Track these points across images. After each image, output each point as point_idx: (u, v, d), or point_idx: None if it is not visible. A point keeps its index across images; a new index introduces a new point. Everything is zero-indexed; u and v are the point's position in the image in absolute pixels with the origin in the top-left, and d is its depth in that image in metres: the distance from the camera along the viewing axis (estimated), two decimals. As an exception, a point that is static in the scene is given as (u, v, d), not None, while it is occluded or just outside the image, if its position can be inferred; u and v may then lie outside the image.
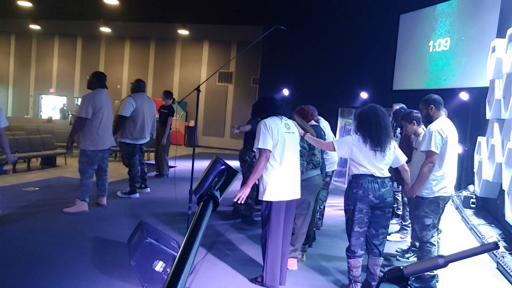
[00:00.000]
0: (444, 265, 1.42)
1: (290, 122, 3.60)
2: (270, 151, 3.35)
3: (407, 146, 4.70)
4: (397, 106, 5.65)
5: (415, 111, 4.28)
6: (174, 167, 8.66)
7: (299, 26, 11.53)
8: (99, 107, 5.28)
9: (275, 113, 3.51)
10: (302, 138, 3.73)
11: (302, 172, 3.80)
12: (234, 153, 9.62)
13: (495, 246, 1.39)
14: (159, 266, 3.26)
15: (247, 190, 3.32)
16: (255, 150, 3.46)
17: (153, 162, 8.75)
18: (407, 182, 3.70)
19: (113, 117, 5.96)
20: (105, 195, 5.77)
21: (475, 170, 6.56)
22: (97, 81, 5.46)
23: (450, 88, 8.35)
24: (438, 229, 3.90)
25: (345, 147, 3.45)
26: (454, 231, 5.81)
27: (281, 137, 3.40)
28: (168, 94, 8.11)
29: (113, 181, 8.02)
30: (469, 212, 6.52)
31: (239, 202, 3.32)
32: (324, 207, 5.61)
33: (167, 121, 7.86)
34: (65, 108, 19.81)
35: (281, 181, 3.42)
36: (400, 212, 5.50)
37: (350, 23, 10.90)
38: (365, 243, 3.46)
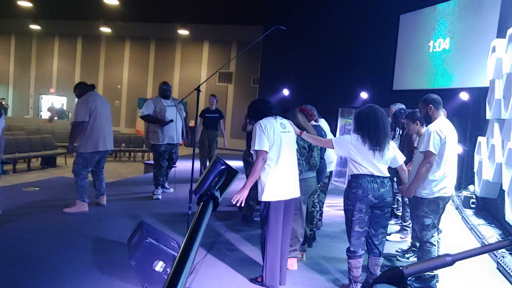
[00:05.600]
0: (452, 263, 1.42)
1: (285, 121, 3.61)
2: (266, 152, 3.35)
3: (407, 147, 4.70)
4: (394, 107, 5.62)
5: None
6: (175, 166, 8.66)
7: (299, 26, 11.54)
8: (93, 109, 5.27)
9: (270, 113, 3.52)
10: (303, 138, 3.74)
11: (300, 171, 3.80)
12: (234, 153, 9.63)
13: (511, 243, 1.38)
14: (159, 266, 3.26)
15: (245, 193, 3.32)
16: (252, 152, 3.46)
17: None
18: (404, 182, 3.71)
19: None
20: (104, 194, 5.76)
21: (475, 170, 6.56)
22: (82, 89, 5.45)
23: (450, 88, 8.35)
24: (438, 229, 3.90)
25: (343, 146, 3.46)
26: (454, 231, 5.81)
27: (277, 137, 3.40)
28: None
29: (113, 181, 8.03)
30: (469, 212, 6.52)
31: (237, 205, 3.32)
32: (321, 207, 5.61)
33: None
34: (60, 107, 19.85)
35: (279, 181, 3.42)
36: (399, 213, 5.50)
37: (350, 23, 10.90)
38: (365, 243, 3.47)
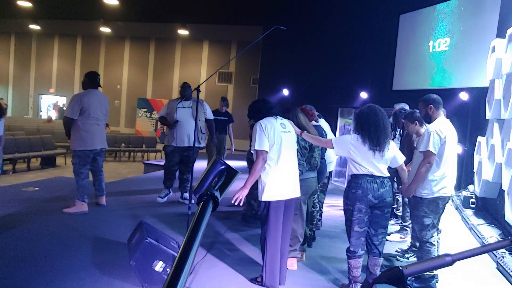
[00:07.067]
0: (451, 263, 1.42)
1: (286, 121, 3.61)
2: (266, 152, 3.36)
3: (408, 147, 4.70)
4: (398, 106, 5.65)
5: (418, 111, 4.28)
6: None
7: (299, 26, 11.55)
8: (86, 107, 5.24)
9: (270, 113, 3.52)
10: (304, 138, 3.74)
11: (301, 172, 3.80)
12: (234, 153, 9.62)
13: (511, 243, 1.38)
14: (159, 266, 3.26)
15: (245, 192, 3.32)
16: (252, 152, 3.46)
17: None
18: (404, 182, 3.71)
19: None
20: (103, 194, 5.75)
21: (475, 170, 6.56)
22: (89, 81, 5.44)
23: (450, 88, 8.36)
24: (438, 229, 3.90)
25: (343, 146, 3.46)
26: (454, 231, 5.81)
27: (277, 137, 3.40)
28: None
29: (113, 181, 8.03)
30: (469, 212, 6.53)
31: (236, 204, 3.32)
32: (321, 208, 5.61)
33: None
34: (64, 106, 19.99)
35: (279, 180, 3.42)
36: (399, 213, 5.50)
37: (350, 23, 10.91)
38: (365, 243, 3.47)
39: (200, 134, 6.11)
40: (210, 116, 6.38)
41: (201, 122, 6.10)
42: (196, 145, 6.06)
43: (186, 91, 6.17)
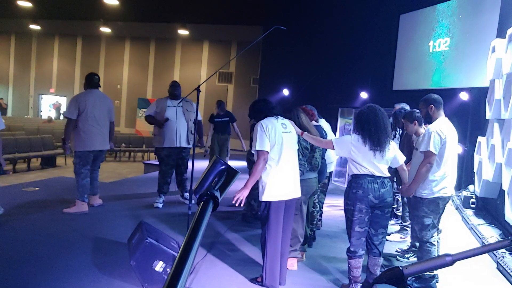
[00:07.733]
0: (451, 263, 1.42)
1: (287, 121, 3.61)
2: (267, 152, 3.36)
3: (407, 147, 4.70)
4: (398, 106, 5.66)
5: (417, 111, 4.28)
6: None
7: (299, 26, 11.55)
8: (84, 107, 5.28)
9: (271, 113, 3.52)
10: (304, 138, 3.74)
11: (302, 172, 3.80)
12: (234, 153, 9.62)
13: (511, 243, 1.38)
14: (159, 266, 3.26)
15: (245, 192, 3.32)
16: (253, 152, 3.46)
17: None
18: (404, 182, 3.71)
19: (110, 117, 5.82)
20: (97, 193, 5.70)
21: (475, 170, 6.56)
22: (86, 82, 5.52)
23: (450, 88, 8.36)
24: (438, 229, 3.90)
25: (344, 146, 3.46)
26: (454, 231, 5.81)
27: (278, 137, 3.40)
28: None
29: (113, 181, 8.03)
30: (469, 212, 6.52)
31: (236, 204, 3.31)
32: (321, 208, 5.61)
33: None
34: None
35: (279, 181, 3.42)
36: (399, 213, 5.51)
37: (350, 23, 10.91)
38: (365, 243, 3.47)
39: (189, 134, 6.04)
40: (199, 116, 6.34)
41: (190, 122, 6.03)
42: (186, 145, 6.03)
43: (175, 90, 6.11)
